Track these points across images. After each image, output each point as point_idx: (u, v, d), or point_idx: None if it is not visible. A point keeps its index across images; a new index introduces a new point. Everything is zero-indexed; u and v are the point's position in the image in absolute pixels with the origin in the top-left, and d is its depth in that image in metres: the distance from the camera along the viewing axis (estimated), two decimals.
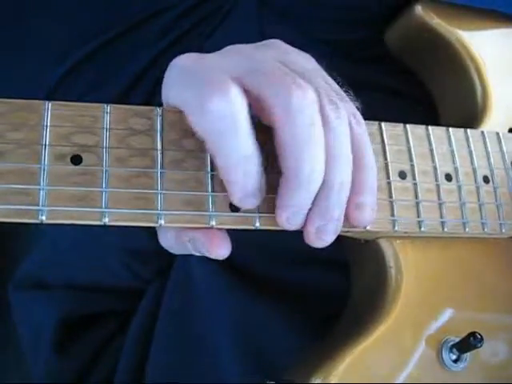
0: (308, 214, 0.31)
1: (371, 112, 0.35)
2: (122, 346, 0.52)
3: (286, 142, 0.29)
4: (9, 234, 0.66)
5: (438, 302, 0.38)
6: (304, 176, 0.29)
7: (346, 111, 0.31)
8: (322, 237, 0.32)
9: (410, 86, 0.48)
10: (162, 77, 0.44)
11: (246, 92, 0.29)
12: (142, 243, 0.52)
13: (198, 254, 0.32)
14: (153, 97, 0.45)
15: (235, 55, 0.31)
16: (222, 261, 0.44)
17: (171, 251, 0.34)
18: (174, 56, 0.34)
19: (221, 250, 0.31)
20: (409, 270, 0.37)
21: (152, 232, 0.50)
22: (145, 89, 0.45)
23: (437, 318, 0.38)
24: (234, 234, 0.32)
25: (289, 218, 0.31)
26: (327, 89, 0.31)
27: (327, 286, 0.45)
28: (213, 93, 0.28)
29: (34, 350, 0.54)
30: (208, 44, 0.44)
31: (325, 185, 0.30)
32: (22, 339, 0.56)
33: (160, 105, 0.32)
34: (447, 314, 0.38)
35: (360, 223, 0.33)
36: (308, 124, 0.29)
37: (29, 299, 0.56)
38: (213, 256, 0.31)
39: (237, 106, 0.28)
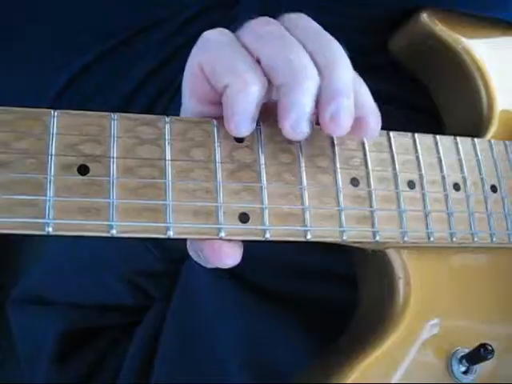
0: (318, 103, 0.31)
1: None
2: (123, 357, 0.51)
3: (271, 58, 0.31)
4: (9, 251, 0.65)
5: (445, 312, 0.38)
6: (297, 69, 0.30)
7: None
8: (338, 122, 0.31)
9: (413, 95, 0.48)
10: (166, 84, 0.44)
11: None
12: (146, 264, 0.52)
13: (210, 267, 0.32)
14: (155, 104, 0.45)
15: None
16: (228, 274, 0.44)
17: (205, 265, 0.33)
18: (177, 64, 0.34)
19: (227, 259, 0.30)
20: (416, 280, 0.37)
21: (156, 254, 0.50)
22: (148, 96, 0.45)
23: (444, 328, 0.37)
24: None
25: (292, 125, 0.30)
26: None
27: (332, 299, 0.45)
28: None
29: (33, 364, 0.54)
30: None
31: (323, 70, 0.31)
32: (20, 353, 0.55)
33: (163, 112, 0.32)
34: (454, 325, 0.38)
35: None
36: (277, 35, 0.32)
37: (28, 314, 0.55)
38: (220, 266, 0.31)
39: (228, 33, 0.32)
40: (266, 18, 0.33)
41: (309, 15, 0.46)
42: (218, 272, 0.32)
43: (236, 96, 0.30)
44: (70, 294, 0.55)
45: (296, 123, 0.30)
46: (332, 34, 0.47)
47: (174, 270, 0.48)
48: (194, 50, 0.32)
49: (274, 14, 0.45)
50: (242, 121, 0.30)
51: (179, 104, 0.34)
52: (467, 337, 0.37)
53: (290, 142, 0.33)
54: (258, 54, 0.31)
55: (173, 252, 0.49)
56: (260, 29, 0.32)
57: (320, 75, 0.31)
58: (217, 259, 0.30)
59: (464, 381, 0.36)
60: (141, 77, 0.44)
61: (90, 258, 0.54)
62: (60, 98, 0.44)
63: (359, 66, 0.48)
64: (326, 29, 0.47)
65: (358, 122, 0.32)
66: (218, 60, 0.31)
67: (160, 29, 0.44)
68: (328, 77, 0.31)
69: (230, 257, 0.30)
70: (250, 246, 0.31)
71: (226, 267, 0.31)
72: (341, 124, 0.31)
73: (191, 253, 0.33)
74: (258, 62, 0.31)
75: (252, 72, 0.30)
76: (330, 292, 0.45)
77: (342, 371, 0.34)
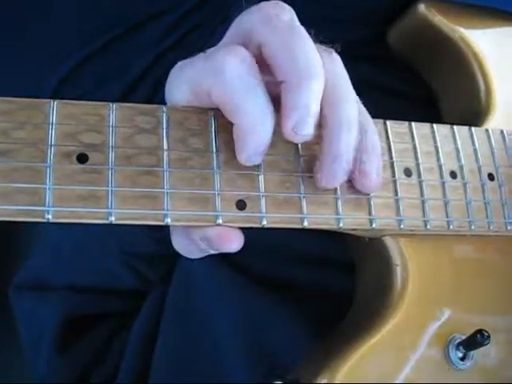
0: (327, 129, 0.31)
1: (371, 112, 0.35)
2: (124, 345, 0.52)
3: (278, 53, 0.30)
4: (10, 237, 0.66)
5: (443, 299, 0.38)
6: (303, 65, 0.29)
7: None
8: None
9: (410, 85, 0.48)
10: (164, 77, 0.44)
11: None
12: (144, 247, 0.52)
13: (212, 252, 0.32)
14: (154, 97, 0.45)
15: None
16: (226, 260, 0.44)
17: (186, 256, 0.34)
18: (176, 57, 0.34)
19: (232, 243, 0.31)
20: (414, 267, 0.37)
21: (153, 236, 0.50)
22: (146, 90, 0.45)
23: (441, 315, 0.38)
24: None
25: (295, 126, 0.29)
26: None
27: (330, 285, 0.45)
28: (226, 54, 0.30)
29: (35, 350, 0.54)
30: (209, 45, 0.43)
31: (331, 87, 0.30)
32: (23, 339, 0.56)
33: (163, 103, 0.32)
34: (452, 312, 0.38)
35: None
36: (289, 26, 0.30)
37: (30, 300, 0.56)
38: (225, 250, 0.31)
39: (249, 64, 0.29)
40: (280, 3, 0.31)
41: (308, 9, 0.47)
42: (216, 258, 0.32)
43: (244, 136, 0.30)
44: (69, 278, 0.55)
45: (298, 126, 0.30)
46: (331, 27, 0.47)
47: (170, 253, 0.49)
48: (207, 74, 0.30)
49: None
50: (253, 155, 0.30)
51: None
52: (464, 324, 0.37)
53: None
54: (262, 41, 0.30)
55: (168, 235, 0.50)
56: (271, 11, 0.31)
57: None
58: (222, 244, 0.30)
59: (461, 367, 0.36)
60: (140, 69, 0.45)
61: (88, 240, 0.54)
62: (59, 90, 0.44)
63: (356, 56, 0.48)
64: (324, 21, 0.47)
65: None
66: (229, 97, 0.29)
67: (159, 21, 0.45)
68: (332, 89, 0.31)
69: (234, 241, 0.31)
70: (248, 233, 0.32)
71: (231, 251, 0.31)
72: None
73: (183, 247, 0.33)
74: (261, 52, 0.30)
75: (261, 112, 0.29)
76: (329, 278, 0.45)
77: (341, 357, 0.35)
